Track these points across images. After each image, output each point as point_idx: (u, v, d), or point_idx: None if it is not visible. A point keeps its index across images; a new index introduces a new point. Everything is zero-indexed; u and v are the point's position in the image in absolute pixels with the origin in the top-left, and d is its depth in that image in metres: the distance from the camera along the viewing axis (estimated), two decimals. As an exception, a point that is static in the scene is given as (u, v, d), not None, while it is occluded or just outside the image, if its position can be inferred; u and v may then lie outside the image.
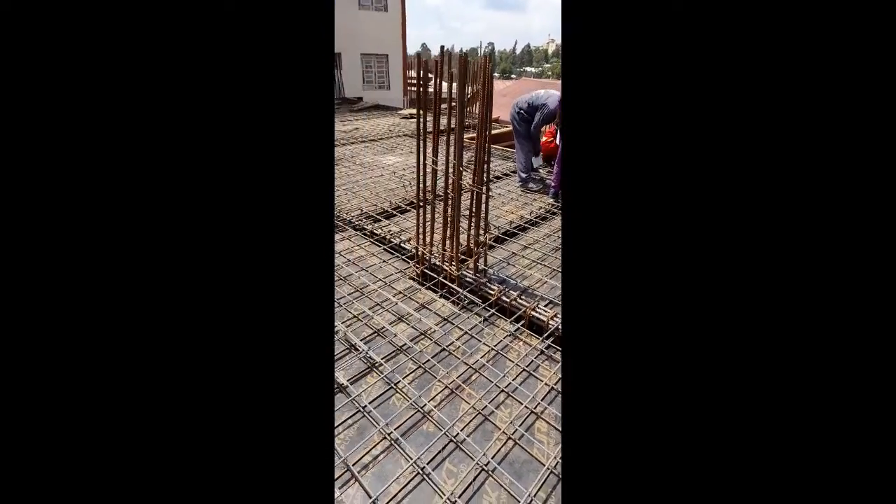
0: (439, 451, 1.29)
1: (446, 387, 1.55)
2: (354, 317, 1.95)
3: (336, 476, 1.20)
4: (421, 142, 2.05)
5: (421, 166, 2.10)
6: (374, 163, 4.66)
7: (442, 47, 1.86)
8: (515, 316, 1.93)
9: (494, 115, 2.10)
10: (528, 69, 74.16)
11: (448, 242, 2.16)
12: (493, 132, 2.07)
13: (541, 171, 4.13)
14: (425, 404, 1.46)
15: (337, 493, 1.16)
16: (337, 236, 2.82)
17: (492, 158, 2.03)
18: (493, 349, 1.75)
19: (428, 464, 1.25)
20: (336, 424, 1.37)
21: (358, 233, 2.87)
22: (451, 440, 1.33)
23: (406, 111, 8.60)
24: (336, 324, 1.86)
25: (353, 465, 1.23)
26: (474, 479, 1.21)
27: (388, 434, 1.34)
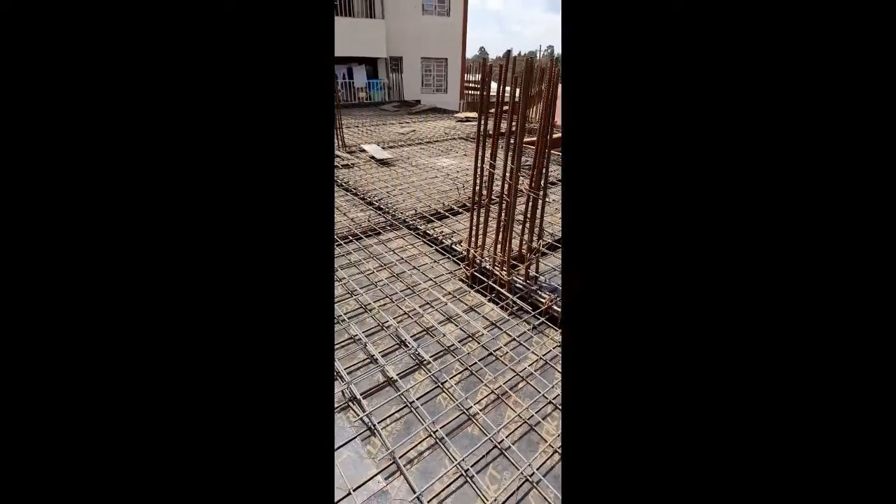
0: (483, 456, 1.29)
1: (492, 392, 1.54)
2: (405, 313, 2.00)
3: (383, 467, 1.24)
4: (479, 146, 2.06)
5: (478, 169, 2.11)
6: (429, 164, 4.74)
7: (508, 52, 1.86)
8: (567, 326, 1.88)
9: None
10: (589, 73, 71.73)
11: (500, 247, 2.15)
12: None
13: None
14: (471, 407, 1.46)
15: (383, 483, 1.19)
16: (391, 234, 2.90)
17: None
18: (541, 358, 1.71)
19: (472, 466, 1.25)
20: (384, 417, 1.41)
21: (411, 232, 2.94)
22: (496, 446, 1.32)
23: (462, 114, 8.67)
24: (388, 319, 1.92)
25: (400, 457, 1.26)
26: (518, 489, 1.20)
27: (434, 432, 1.35)
